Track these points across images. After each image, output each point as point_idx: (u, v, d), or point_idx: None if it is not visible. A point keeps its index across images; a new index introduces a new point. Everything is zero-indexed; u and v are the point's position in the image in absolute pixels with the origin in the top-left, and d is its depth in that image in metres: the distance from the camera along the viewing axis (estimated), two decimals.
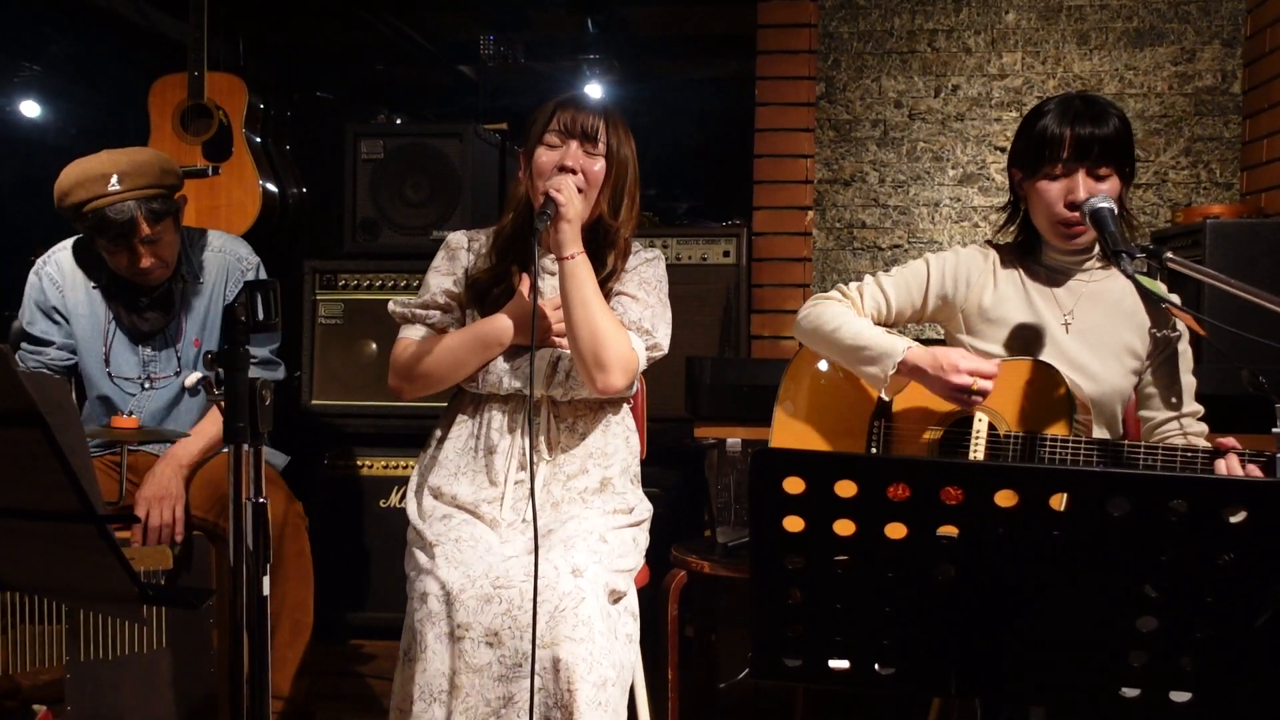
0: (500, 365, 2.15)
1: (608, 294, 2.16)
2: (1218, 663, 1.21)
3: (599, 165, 2.14)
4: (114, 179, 2.42)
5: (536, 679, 1.86)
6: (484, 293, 2.21)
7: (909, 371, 2.00)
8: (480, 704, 1.88)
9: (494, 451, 2.15)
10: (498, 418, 2.17)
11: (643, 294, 2.18)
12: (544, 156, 2.13)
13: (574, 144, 2.13)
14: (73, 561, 1.35)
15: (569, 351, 2.11)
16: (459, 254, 2.27)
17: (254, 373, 2.64)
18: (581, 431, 2.19)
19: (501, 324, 2.14)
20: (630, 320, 2.14)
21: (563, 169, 2.10)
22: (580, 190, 2.11)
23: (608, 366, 2.05)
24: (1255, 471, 1.85)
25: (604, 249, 2.18)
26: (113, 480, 2.54)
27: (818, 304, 2.17)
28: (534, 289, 2.06)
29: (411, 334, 2.22)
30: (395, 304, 2.26)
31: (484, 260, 2.24)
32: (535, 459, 2.15)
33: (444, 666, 1.89)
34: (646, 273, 2.22)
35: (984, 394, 1.94)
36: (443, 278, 2.25)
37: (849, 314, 2.12)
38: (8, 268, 4.32)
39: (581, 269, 2.05)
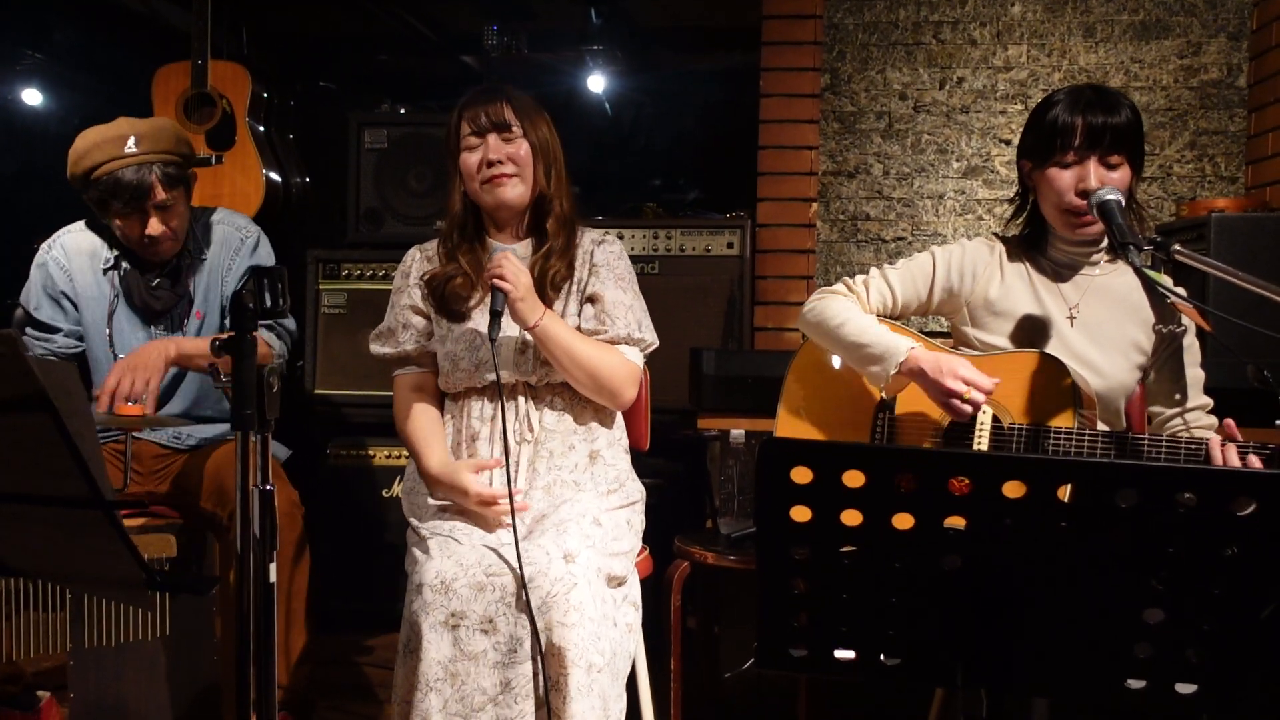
0: (469, 363, 2.18)
1: (569, 270, 2.20)
2: (1223, 655, 1.21)
3: (524, 149, 2.18)
4: (131, 140, 2.44)
5: (531, 664, 1.89)
6: (439, 293, 2.24)
7: (910, 372, 2.01)
8: (476, 692, 1.90)
9: (477, 438, 2.19)
10: (477, 408, 2.21)
11: (620, 295, 2.21)
12: (469, 159, 2.18)
13: (491, 137, 2.17)
14: (80, 547, 1.35)
15: (533, 339, 2.15)
16: (411, 268, 2.31)
17: (267, 335, 2.63)
18: (561, 409, 2.21)
19: (429, 472, 2.19)
20: (619, 335, 2.18)
21: (490, 164, 2.15)
22: (514, 175, 2.16)
23: (617, 391, 2.16)
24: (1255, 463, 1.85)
25: (544, 219, 2.23)
26: (117, 468, 2.54)
27: (823, 298, 2.17)
28: (497, 367, 2.10)
29: (403, 376, 2.28)
30: (373, 346, 2.30)
31: (435, 264, 2.28)
32: (517, 444, 2.18)
33: (440, 656, 1.91)
34: (620, 268, 2.25)
35: (974, 405, 1.94)
36: (399, 295, 2.30)
37: (854, 309, 2.12)
38: (9, 256, 4.33)
39: (553, 327, 2.10)
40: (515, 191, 2.17)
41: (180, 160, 2.53)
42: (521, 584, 1.90)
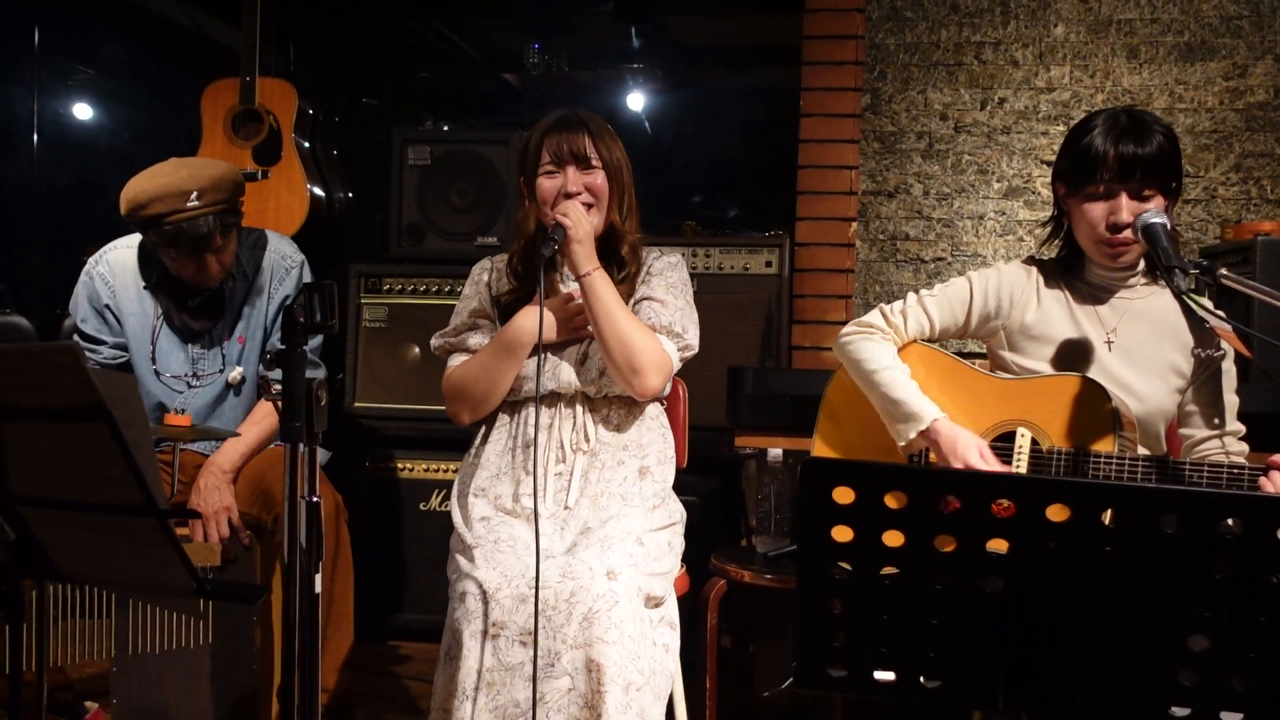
0: (532, 369, 2.21)
1: (631, 293, 2.25)
2: (1270, 683, 1.19)
3: (600, 179, 2.23)
4: (194, 195, 2.45)
5: (567, 679, 1.90)
6: (506, 313, 2.28)
7: (929, 441, 2.06)
8: (509, 704, 1.91)
9: (531, 445, 2.21)
10: (534, 414, 2.23)
11: (670, 298, 2.26)
12: (546, 184, 2.23)
13: (570, 168, 2.21)
14: (133, 555, 1.38)
15: (597, 349, 2.19)
16: (482, 277, 2.37)
17: None
18: (616, 424, 2.25)
19: (520, 323, 2.20)
20: (661, 324, 2.22)
21: (568, 195, 2.19)
22: (591, 206, 2.21)
23: (642, 370, 2.14)
24: None
25: (618, 247, 2.28)
26: (165, 477, 2.59)
27: (861, 334, 2.18)
28: (541, 309, 2.11)
29: (455, 363, 2.31)
30: (435, 339, 2.35)
31: (503, 284, 2.33)
32: (571, 452, 2.21)
33: (479, 664, 1.93)
34: (672, 277, 2.30)
35: None
36: (469, 301, 2.35)
37: (890, 356, 2.14)
38: (61, 267, 4.41)
39: (600, 283, 2.14)
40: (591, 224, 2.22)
41: (236, 205, 2.57)
42: (536, 594, 1.91)
